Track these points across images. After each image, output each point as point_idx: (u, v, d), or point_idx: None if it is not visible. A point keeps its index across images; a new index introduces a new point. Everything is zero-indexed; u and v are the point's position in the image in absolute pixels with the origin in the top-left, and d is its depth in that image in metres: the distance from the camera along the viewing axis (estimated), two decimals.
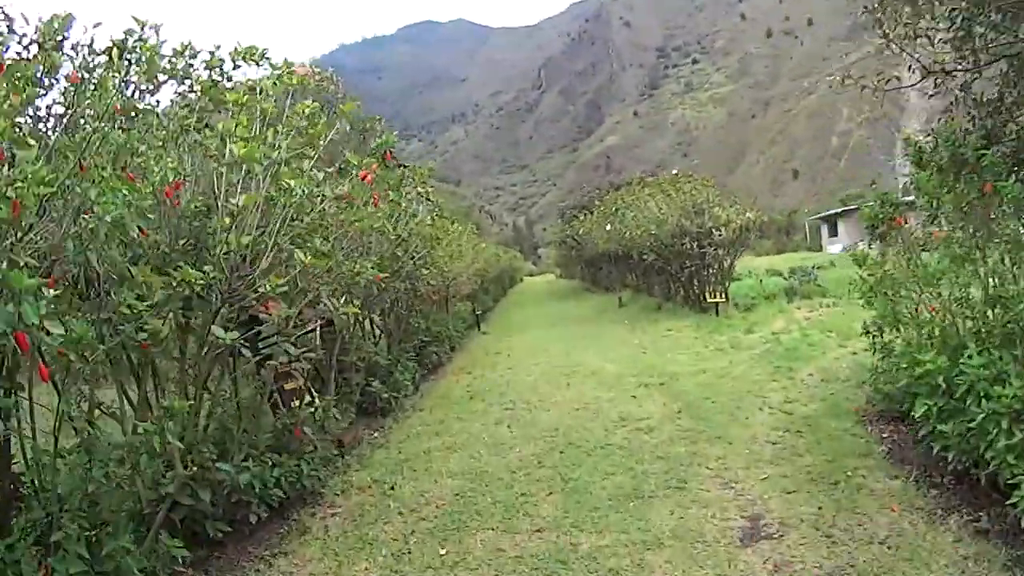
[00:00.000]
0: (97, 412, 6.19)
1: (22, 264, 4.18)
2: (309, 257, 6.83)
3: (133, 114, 6.47)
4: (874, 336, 9.43)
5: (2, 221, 4.24)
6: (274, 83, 7.92)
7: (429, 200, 14.06)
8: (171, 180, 6.39)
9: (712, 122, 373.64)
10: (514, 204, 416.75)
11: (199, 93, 7.58)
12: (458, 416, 12.73)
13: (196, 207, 7.00)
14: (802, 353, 14.99)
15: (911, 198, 9.49)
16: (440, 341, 19.83)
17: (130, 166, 5.94)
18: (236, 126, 6.74)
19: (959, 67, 8.53)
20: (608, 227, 33.53)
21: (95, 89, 5.62)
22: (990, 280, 7.73)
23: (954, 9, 8.09)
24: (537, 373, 16.63)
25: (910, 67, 8.85)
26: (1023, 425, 5.91)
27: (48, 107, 6.00)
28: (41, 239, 4.97)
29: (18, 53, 5.69)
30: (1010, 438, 5.87)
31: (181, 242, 6.82)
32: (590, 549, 6.59)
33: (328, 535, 7.57)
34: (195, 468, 6.54)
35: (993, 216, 7.74)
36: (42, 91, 5.68)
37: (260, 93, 7.78)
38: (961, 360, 6.82)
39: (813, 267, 32.65)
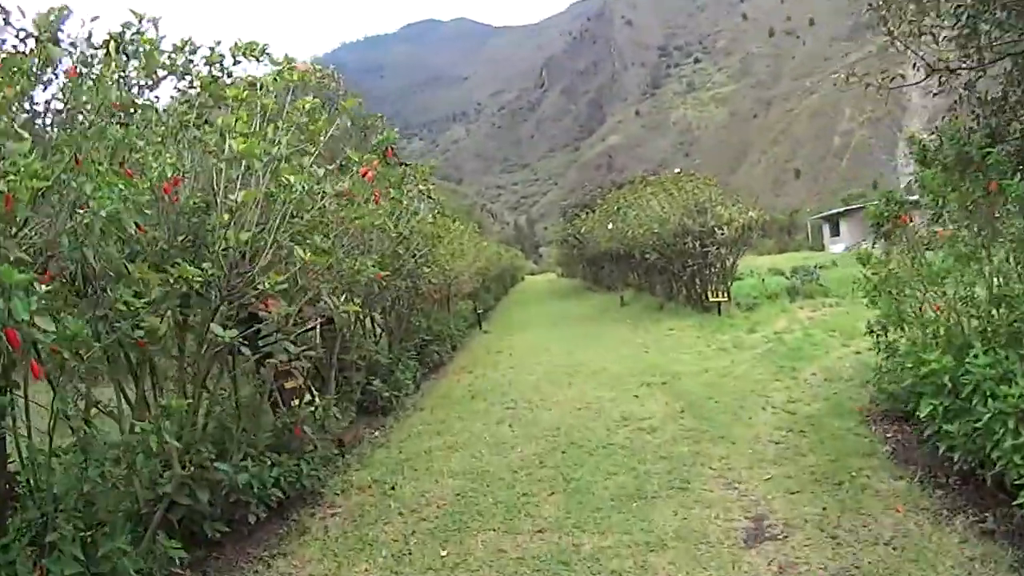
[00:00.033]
0: (95, 411, 6.13)
1: (12, 259, 4.10)
2: (309, 254, 6.77)
3: (132, 110, 6.41)
4: (878, 335, 9.39)
5: None
6: (275, 79, 7.86)
7: (431, 198, 13.99)
8: (169, 176, 6.33)
9: (714, 121, 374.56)
10: (515, 203, 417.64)
11: (199, 89, 7.52)
12: (459, 415, 12.67)
13: (195, 203, 6.94)
14: (805, 353, 14.97)
15: (915, 197, 9.44)
16: (441, 340, 19.79)
17: (128, 162, 5.88)
18: (236, 121, 6.69)
19: (964, 65, 8.48)
20: (610, 226, 33.49)
21: (93, 83, 5.56)
22: (995, 279, 7.68)
23: (959, 6, 8.04)
24: (539, 372, 16.57)
25: (915, 65, 8.80)
26: None
27: (47, 102, 5.93)
28: (36, 235, 4.91)
29: (14, 47, 5.63)
30: (1016, 438, 5.81)
31: (180, 239, 6.75)
32: (592, 550, 6.52)
33: (328, 535, 7.51)
34: (193, 468, 6.48)
35: (998, 215, 7.70)
36: (39, 85, 5.62)
37: (260, 89, 7.72)
38: (967, 359, 6.75)
39: (815, 266, 32.63)
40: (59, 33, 5.64)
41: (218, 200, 6.64)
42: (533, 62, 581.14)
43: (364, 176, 8.25)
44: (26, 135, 4.68)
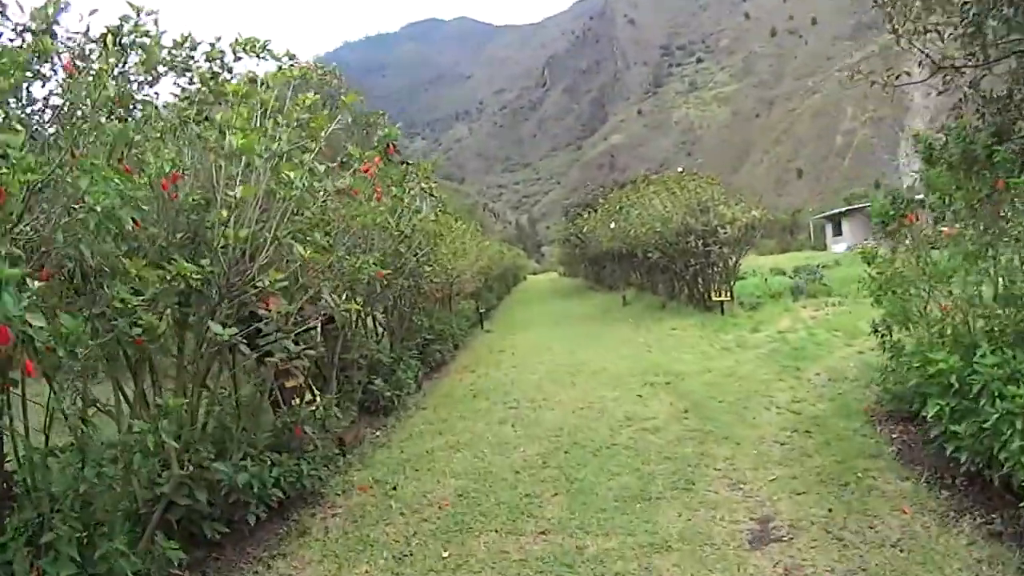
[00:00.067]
0: (93, 410, 6.08)
1: (3, 253, 4.03)
2: (309, 251, 6.71)
3: (131, 106, 6.37)
4: (883, 335, 9.33)
5: None
6: (275, 75, 7.80)
7: (433, 196, 13.93)
8: (168, 172, 6.26)
9: (716, 121, 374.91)
10: (517, 202, 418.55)
11: (199, 85, 7.47)
12: (461, 415, 12.61)
13: (194, 200, 6.87)
14: (809, 352, 14.90)
15: (920, 196, 9.39)
16: (443, 339, 19.72)
17: (127, 158, 5.83)
18: (235, 117, 6.62)
19: (969, 63, 8.42)
20: (612, 225, 33.45)
21: (92, 79, 5.49)
22: (1001, 278, 7.62)
23: (966, 3, 7.97)
24: (541, 372, 16.52)
25: (920, 63, 8.74)
26: None
27: (45, 98, 5.87)
28: (32, 230, 4.84)
29: (10, 40, 5.57)
30: None
31: (179, 236, 6.69)
32: (596, 552, 6.46)
33: (328, 536, 7.45)
34: (192, 467, 6.42)
35: (1003, 214, 7.66)
36: (34, 78, 5.56)
37: (261, 85, 7.66)
38: (974, 359, 6.69)
39: (818, 266, 32.58)
40: (56, 27, 5.58)
41: (218, 196, 6.57)
42: (535, 61, 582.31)
43: (365, 173, 8.19)
44: (20, 128, 4.61)
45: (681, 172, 34.10)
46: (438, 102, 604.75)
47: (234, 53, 7.69)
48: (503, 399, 13.65)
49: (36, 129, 5.65)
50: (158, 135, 6.77)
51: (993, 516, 6.21)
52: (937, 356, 7.16)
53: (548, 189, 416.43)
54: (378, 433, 11.74)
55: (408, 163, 12.78)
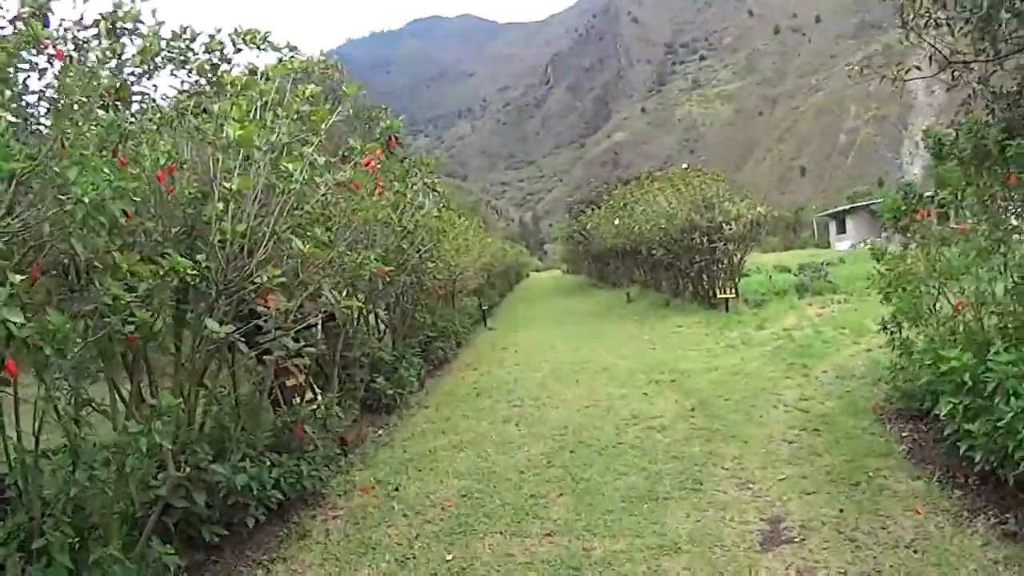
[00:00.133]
0: (89, 409, 5.95)
1: None
2: (308, 246, 6.58)
3: (128, 97, 6.27)
4: (892, 332, 9.23)
5: None
6: (275, 66, 7.69)
7: (436, 191, 13.83)
8: (164, 164, 6.14)
9: (719, 119, 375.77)
10: (521, 200, 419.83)
11: (196, 75, 7.38)
12: (464, 414, 12.52)
13: (191, 193, 6.75)
14: (815, 350, 14.85)
15: (929, 193, 9.29)
16: (446, 336, 19.66)
17: (123, 151, 5.71)
18: (232, 107, 6.50)
19: (979, 58, 8.31)
20: (616, 221, 33.41)
21: (85, 67, 5.38)
22: (1013, 274, 7.53)
23: None
24: (545, 369, 16.46)
25: (931, 58, 8.62)
26: None
27: (42, 90, 5.75)
28: (22, 224, 4.71)
29: (1, 27, 5.46)
30: None
31: (175, 230, 6.57)
32: (604, 554, 6.34)
33: (329, 539, 7.32)
34: (189, 469, 6.30)
35: (1014, 209, 7.59)
36: (30, 69, 5.45)
37: (261, 76, 7.55)
38: (988, 357, 6.57)
39: (823, 263, 32.48)
40: (50, 15, 5.47)
41: (215, 190, 6.45)
42: (539, 59, 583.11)
43: (367, 166, 8.08)
44: (6, 115, 4.49)
45: (687, 168, 34.06)
46: (441, 99, 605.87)
47: (234, 44, 7.59)
48: (507, 397, 13.58)
49: (32, 121, 5.53)
50: (155, 127, 6.65)
51: (1007, 516, 6.14)
52: (950, 354, 7.04)
53: (551, 187, 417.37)
54: (380, 432, 11.65)
55: (407, 159, 12.72)
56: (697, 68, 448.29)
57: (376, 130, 10.18)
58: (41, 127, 5.66)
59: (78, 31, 5.92)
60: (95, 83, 5.23)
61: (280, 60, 7.85)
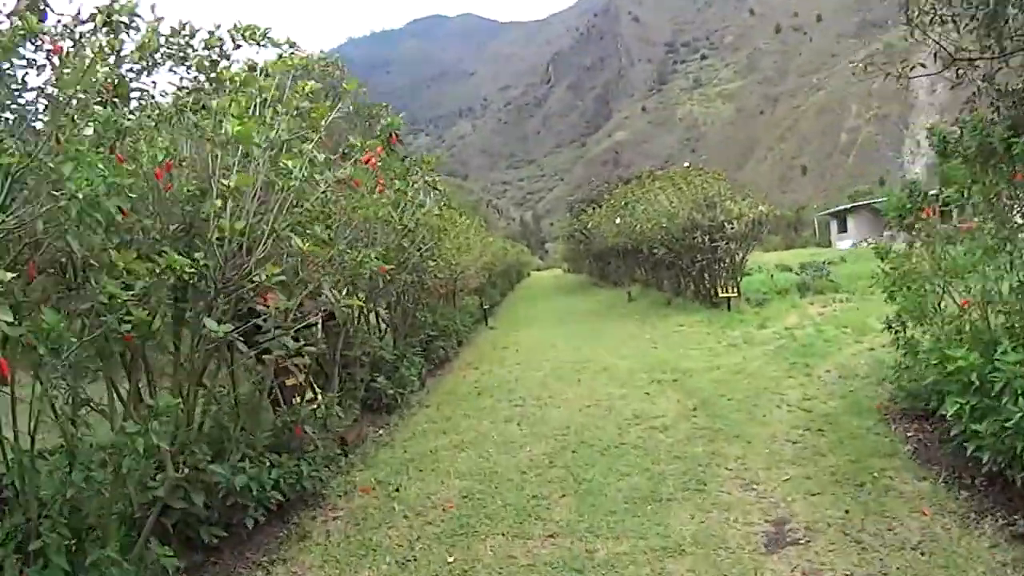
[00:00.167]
0: (87, 409, 5.89)
1: None
2: (308, 244, 6.52)
3: (127, 94, 6.22)
4: (897, 331, 9.18)
5: None
6: (275, 63, 7.63)
7: (437, 190, 13.78)
8: (162, 161, 6.08)
9: (720, 118, 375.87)
10: (521, 199, 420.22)
11: (195, 72, 7.33)
12: (466, 413, 12.48)
13: (189, 190, 6.69)
14: (818, 349, 14.82)
15: (933, 191, 9.25)
16: (447, 335, 19.65)
17: (120, 148, 5.65)
18: (230, 103, 6.44)
19: (984, 55, 8.25)
20: (618, 220, 33.39)
21: (76, 58, 5.31)
22: (1020, 273, 7.47)
23: None
24: (546, 369, 16.44)
25: (935, 55, 8.56)
26: None
27: (40, 87, 5.68)
28: (17, 221, 4.64)
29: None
30: None
31: (173, 227, 6.50)
32: (607, 556, 6.29)
33: (329, 540, 7.27)
34: (187, 470, 6.23)
35: (1020, 207, 7.55)
36: (27, 66, 5.38)
37: (261, 72, 7.50)
38: (995, 356, 6.52)
39: (824, 262, 32.45)
40: (47, 9, 5.40)
41: (214, 186, 6.38)
42: (539, 58, 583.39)
43: (367, 163, 8.03)
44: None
45: (688, 167, 34.04)
46: (442, 99, 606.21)
47: (233, 41, 7.53)
48: (508, 397, 13.54)
49: (30, 118, 5.46)
50: (153, 124, 6.58)
51: (1015, 517, 6.08)
52: (956, 353, 6.99)
53: (552, 186, 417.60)
54: (381, 432, 11.61)
55: (408, 157, 12.68)
56: (698, 67, 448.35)
57: (376, 128, 10.14)
58: (39, 124, 5.59)
59: (75, 26, 5.85)
60: (91, 78, 5.16)
61: (280, 56, 7.79)
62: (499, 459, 9.46)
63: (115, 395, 6.27)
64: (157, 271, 5.17)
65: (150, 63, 6.68)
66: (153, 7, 6.45)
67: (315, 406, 8.87)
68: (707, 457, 8.65)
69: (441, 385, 15.87)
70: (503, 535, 6.99)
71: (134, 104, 6.73)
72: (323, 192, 7.46)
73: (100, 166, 4.59)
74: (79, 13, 5.81)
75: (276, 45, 7.84)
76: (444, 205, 16.04)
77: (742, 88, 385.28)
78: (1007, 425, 6.03)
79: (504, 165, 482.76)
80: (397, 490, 8.63)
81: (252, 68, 7.67)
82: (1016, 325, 7.32)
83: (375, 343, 13.30)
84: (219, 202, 6.16)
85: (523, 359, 18.57)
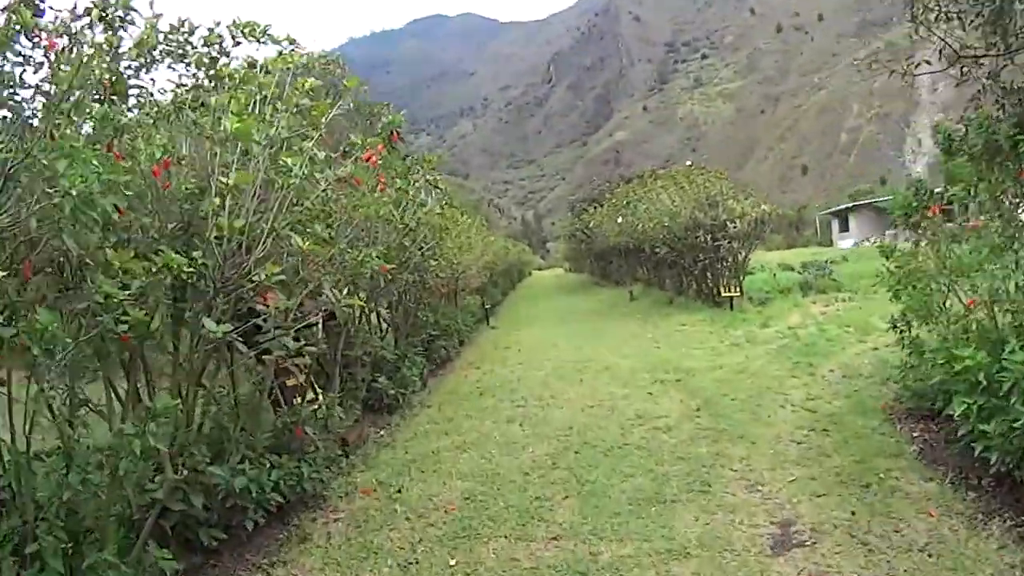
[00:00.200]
0: (85, 410, 5.82)
1: None
2: (308, 243, 6.45)
3: (125, 91, 6.16)
4: (902, 331, 9.13)
5: None
6: (275, 60, 7.57)
7: (438, 188, 13.73)
8: (159, 158, 6.02)
9: (721, 117, 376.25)
10: (522, 198, 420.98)
11: (195, 69, 7.27)
12: (467, 413, 12.42)
13: (188, 189, 6.62)
14: (821, 348, 14.78)
15: (939, 189, 9.20)
16: (449, 335, 19.61)
17: (117, 145, 5.59)
18: (230, 100, 6.38)
19: (989, 53, 8.19)
20: (620, 220, 33.40)
21: (72, 53, 5.25)
22: None
23: None
24: (548, 368, 16.37)
25: (940, 51, 8.50)
26: None
27: (37, 85, 5.62)
28: (8, 218, 4.57)
29: None
30: None
31: (171, 226, 6.43)
32: (611, 559, 6.22)
33: (330, 543, 7.20)
34: (186, 471, 6.17)
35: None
36: (24, 63, 5.31)
37: (260, 69, 7.44)
38: (1002, 356, 6.46)
39: (826, 261, 32.44)
40: (42, 4, 5.34)
41: (213, 184, 6.32)
42: (540, 57, 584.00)
43: (368, 161, 7.97)
44: None
45: (690, 166, 34.05)
46: (442, 99, 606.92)
47: (232, 38, 7.48)
48: (510, 397, 13.48)
49: (28, 116, 5.39)
50: (151, 121, 6.53)
51: (1023, 518, 6.01)
52: (964, 352, 6.93)
53: (553, 185, 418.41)
54: (382, 432, 11.55)
55: (409, 156, 12.63)
56: (699, 67, 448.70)
57: (377, 126, 10.09)
58: (36, 122, 5.53)
59: (71, 21, 5.78)
60: (87, 73, 5.10)
61: (280, 54, 7.73)
62: (501, 460, 9.39)
63: (113, 395, 6.22)
64: (154, 270, 5.11)
65: (148, 60, 6.62)
66: (151, 3, 6.41)
67: (316, 407, 8.81)
68: (711, 458, 8.59)
69: (443, 385, 15.81)
70: (506, 537, 6.92)
71: (132, 102, 6.68)
72: (324, 190, 7.39)
73: (95, 163, 4.52)
74: (75, 7, 5.74)
75: (276, 42, 7.80)
76: (446, 204, 16.00)
77: (743, 88, 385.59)
78: (1015, 425, 6.00)
79: (505, 165, 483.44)
80: (399, 491, 8.56)
81: (252, 65, 7.62)
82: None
83: (376, 343, 13.23)
84: (218, 200, 6.09)
85: (525, 359, 18.51)
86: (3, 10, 5.11)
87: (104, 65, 5.75)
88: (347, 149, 8.23)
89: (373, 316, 14.43)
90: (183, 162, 6.71)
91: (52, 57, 5.22)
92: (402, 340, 15.28)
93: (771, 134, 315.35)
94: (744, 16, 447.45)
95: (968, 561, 5.55)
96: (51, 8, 5.51)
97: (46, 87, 5.14)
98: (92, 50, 5.60)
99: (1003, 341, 6.92)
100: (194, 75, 7.45)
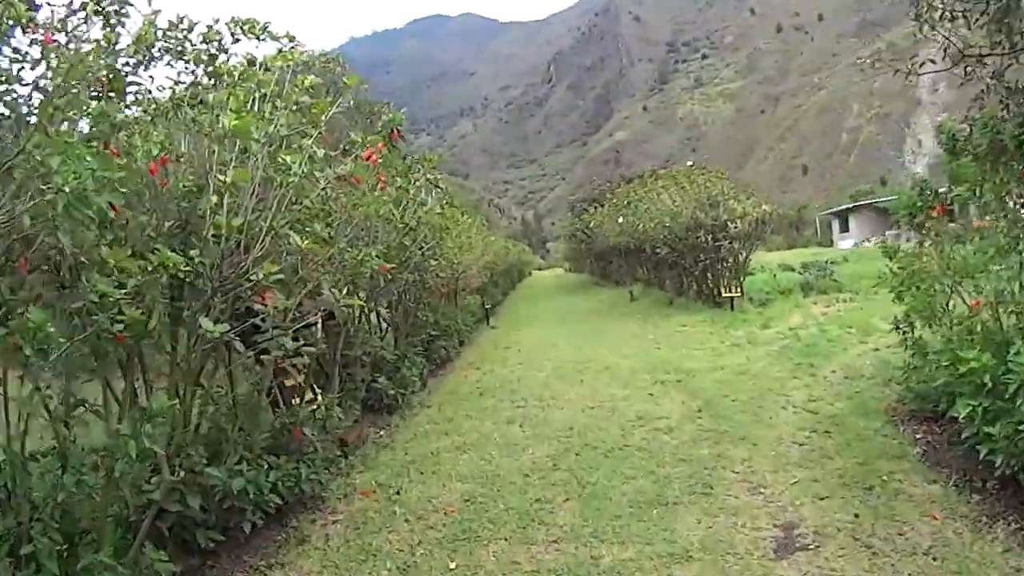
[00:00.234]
0: (81, 409, 5.77)
1: None
2: (307, 242, 6.39)
3: (123, 88, 6.11)
4: (905, 332, 9.08)
5: None
6: (275, 57, 7.53)
7: (439, 187, 13.69)
8: (156, 156, 5.96)
9: (721, 117, 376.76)
10: (523, 198, 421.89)
11: (194, 66, 7.23)
12: (467, 414, 12.35)
13: (185, 186, 6.56)
14: (822, 349, 14.72)
15: (943, 189, 9.15)
16: (449, 335, 19.56)
17: (115, 142, 5.53)
18: (228, 97, 6.33)
19: (994, 52, 8.14)
20: (620, 220, 33.41)
21: (68, 48, 5.20)
22: None
23: None
24: (548, 369, 16.32)
25: (945, 50, 8.45)
26: None
27: (35, 81, 5.56)
28: (3, 215, 4.51)
29: None
30: None
31: (168, 224, 6.38)
32: (612, 562, 6.16)
33: (328, 545, 7.14)
34: (183, 472, 6.10)
35: None
36: (22, 60, 5.25)
37: (260, 67, 7.39)
38: (1008, 357, 6.40)
39: (827, 262, 32.42)
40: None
41: (211, 182, 6.26)
42: (540, 57, 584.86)
43: (368, 159, 7.91)
44: None
45: (691, 166, 34.05)
46: (443, 99, 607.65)
47: (232, 35, 7.43)
48: (510, 397, 13.42)
49: (27, 113, 5.34)
50: (149, 118, 6.48)
51: None
52: (969, 354, 6.88)
53: (553, 185, 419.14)
54: (381, 433, 11.49)
55: (409, 156, 12.59)
56: (699, 67, 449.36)
57: (378, 124, 10.04)
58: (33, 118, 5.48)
59: (67, 16, 5.73)
60: (82, 68, 5.03)
61: (279, 51, 7.68)
62: (501, 461, 9.33)
63: (110, 395, 6.17)
64: (149, 269, 5.05)
65: (147, 57, 6.57)
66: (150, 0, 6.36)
67: (315, 407, 8.74)
68: (713, 460, 8.53)
69: (443, 385, 15.75)
70: (506, 540, 6.86)
71: (131, 99, 6.63)
72: (323, 189, 7.33)
73: (89, 159, 4.46)
74: (71, 2, 5.69)
75: (275, 39, 7.75)
76: (446, 203, 15.97)
77: (743, 88, 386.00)
78: (1021, 428, 5.96)
79: (505, 165, 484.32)
80: (398, 493, 8.50)
81: (251, 63, 7.57)
82: None
83: (376, 343, 13.18)
84: (215, 198, 6.03)
85: (525, 359, 18.46)
86: None
87: (102, 61, 5.70)
88: (347, 147, 8.19)
89: (373, 316, 14.38)
90: (181, 159, 6.67)
91: (47, 52, 5.18)
92: (402, 340, 15.23)
93: (771, 134, 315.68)
94: (744, 16, 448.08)
95: (973, 565, 5.50)
96: (48, 3, 5.47)
97: (44, 83, 5.09)
98: (90, 46, 5.55)
99: (1008, 343, 6.87)
100: (192, 72, 7.40)
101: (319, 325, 8.62)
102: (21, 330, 3.98)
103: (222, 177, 6.05)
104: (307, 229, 6.89)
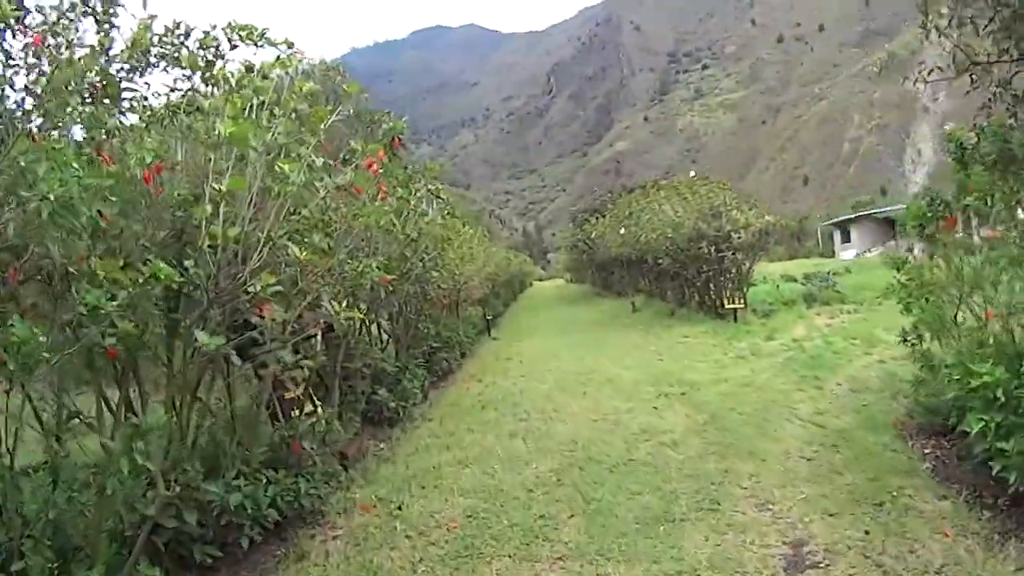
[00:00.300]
0: (76, 422, 5.66)
1: None
2: (306, 253, 6.27)
3: (118, 94, 6.01)
4: (913, 344, 8.96)
5: None
6: (273, 63, 7.42)
7: (440, 198, 13.59)
8: (150, 163, 5.85)
9: (722, 128, 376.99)
10: (524, 209, 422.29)
11: (190, 72, 7.12)
12: (469, 427, 12.21)
13: (180, 195, 6.44)
14: (827, 361, 14.65)
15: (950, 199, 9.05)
16: (450, 347, 19.45)
17: (108, 149, 5.43)
18: (225, 103, 6.21)
19: (1002, 59, 8.04)
20: (622, 230, 33.36)
21: (59, 50, 5.09)
22: None
23: None
24: (551, 381, 16.19)
25: (953, 57, 8.35)
26: None
27: (26, 86, 5.45)
28: None
29: None
30: None
31: (162, 234, 6.26)
32: None
33: (328, 561, 6.99)
34: (179, 488, 5.98)
35: None
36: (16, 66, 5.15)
37: (257, 73, 7.27)
38: (1021, 371, 6.29)
39: (830, 273, 32.35)
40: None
41: (206, 191, 6.15)
42: (541, 68, 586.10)
43: (368, 168, 7.80)
44: None
45: (693, 176, 34.02)
46: (444, 109, 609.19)
47: (229, 41, 7.31)
48: (512, 410, 13.28)
49: (19, 120, 5.22)
50: (144, 125, 6.37)
51: None
52: (981, 368, 6.74)
53: (554, 196, 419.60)
54: (382, 446, 11.36)
55: (410, 166, 12.51)
56: (700, 77, 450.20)
57: (379, 133, 9.94)
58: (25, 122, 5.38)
59: (59, 18, 5.62)
60: (71, 71, 4.93)
61: (278, 57, 7.57)
62: (504, 476, 9.19)
63: (104, 407, 6.05)
64: (141, 280, 4.93)
65: (142, 63, 6.45)
66: (145, 3, 6.25)
67: (314, 420, 8.62)
68: (719, 475, 8.40)
69: (444, 398, 15.61)
70: (510, 557, 6.72)
71: (125, 105, 6.53)
72: (322, 199, 7.22)
73: (75, 166, 4.35)
74: (62, 2, 5.59)
75: (274, 45, 7.63)
76: (448, 214, 15.88)
77: (744, 98, 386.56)
78: None
79: (506, 175, 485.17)
80: (399, 508, 8.36)
81: (249, 69, 7.45)
82: None
83: (376, 355, 13.07)
84: (211, 207, 5.91)
85: (527, 370, 18.32)
86: None
87: (96, 67, 5.59)
88: (347, 156, 8.07)
89: (373, 328, 14.29)
90: (176, 168, 6.56)
91: (35, 53, 5.07)
92: (403, 352, 15.12)
93: (772, 145, 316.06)
94: (745, 26, 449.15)
95: None
96: (38, 10, 5.37)
97: (37, 90, 4.99)
98: (83, 50, 5.45)
99: (1021, 356, 6.76)
100: (188, 78, 7.29)
101: (319, 337, 8.51)
102: (5, 344, 3.86)
103: (218, 186, 5.93)
104: (306, 240, 6.77)
